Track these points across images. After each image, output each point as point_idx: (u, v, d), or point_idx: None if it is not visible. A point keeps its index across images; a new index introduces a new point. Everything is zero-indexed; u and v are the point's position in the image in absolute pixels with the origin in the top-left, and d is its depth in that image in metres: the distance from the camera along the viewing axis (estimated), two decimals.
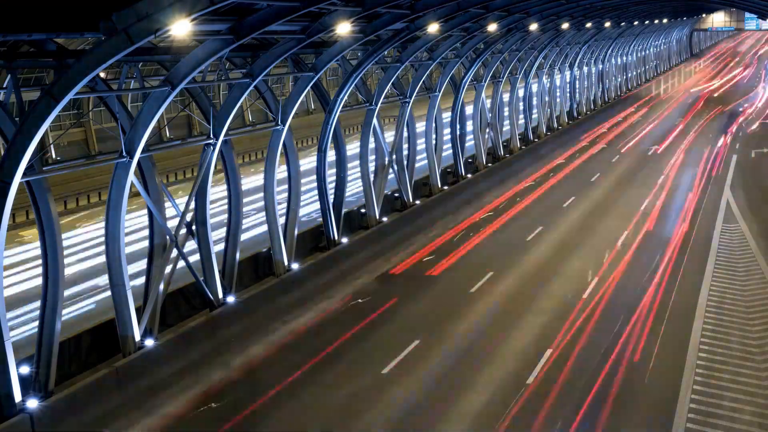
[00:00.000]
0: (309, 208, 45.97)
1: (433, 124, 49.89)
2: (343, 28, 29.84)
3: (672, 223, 44.88)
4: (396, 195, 46.16)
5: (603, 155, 69.54)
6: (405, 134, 46.14)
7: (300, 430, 23.42)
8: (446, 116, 52.83)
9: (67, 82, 21.33)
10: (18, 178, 21.18)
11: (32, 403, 22.21)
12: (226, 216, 31.50)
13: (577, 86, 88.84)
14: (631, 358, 27.20)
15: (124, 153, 24.96)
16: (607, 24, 74.34)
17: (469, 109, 57.36)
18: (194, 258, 30.16)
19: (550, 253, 39.82)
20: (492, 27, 44.97)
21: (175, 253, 28.21)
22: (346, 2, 28.55)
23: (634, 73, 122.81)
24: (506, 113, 66.70)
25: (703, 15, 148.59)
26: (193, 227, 29.44)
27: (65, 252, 24.04)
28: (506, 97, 66.17)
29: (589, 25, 68.98)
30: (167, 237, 27.88)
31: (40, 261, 23.64)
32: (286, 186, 35.16)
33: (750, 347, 27.70)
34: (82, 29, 23.06)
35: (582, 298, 33.01)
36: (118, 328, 25.69)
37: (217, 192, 38.56)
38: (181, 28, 21.45)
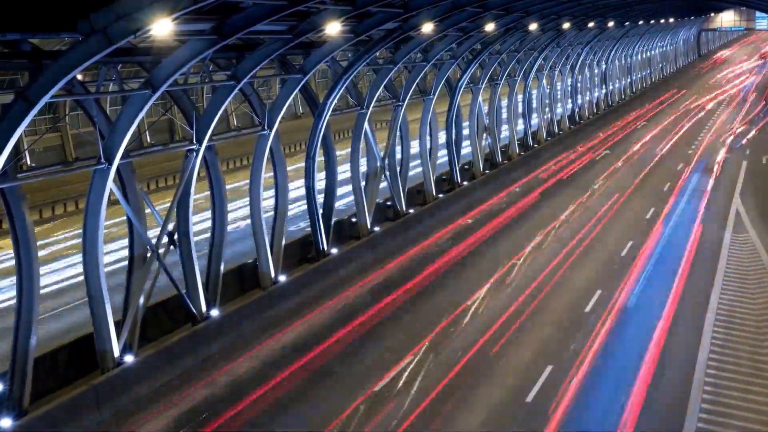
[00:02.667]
0: (297, 215, 45.99)
1: (428, 129, 50.02)
2: (333, 28, 29.97)
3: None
4: (388, 203, 46.24)
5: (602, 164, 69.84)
6: (398, 139, 46.24)
7: None
8: (441, 121, 52.91)
9: (43, 85, 21.40)
10: None
11: (6, 422, 22.24)
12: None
13: (579, 89, 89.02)
14: None
15: (102, 159, 25.03)
16: (611, 24, 74.61)
17: (465, 113, 57.47)
18: (176, 270, 30.19)
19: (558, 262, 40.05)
20: (489, 27, 45.10)
21: (156, 264, 28.28)
22: (335, 1, 28.69)
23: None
24: (504, 117, 66.84)
25: (712, 14, 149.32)
26: (175, 237, 29.50)
27: None
28: (504, 100, 66.30)
29: (591, 24, 69.24)
30: (148, 247, 27.94)
31: None
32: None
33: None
34: (58, 29, 23.14)
35: (585, 312, 33.26)
36: (96, 343, 25.73)
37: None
38: (162, 28, 21.55)
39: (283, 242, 35.31)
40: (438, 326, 32.01)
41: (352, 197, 42.34)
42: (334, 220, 39.49)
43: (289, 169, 35.93)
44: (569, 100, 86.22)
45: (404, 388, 26.74)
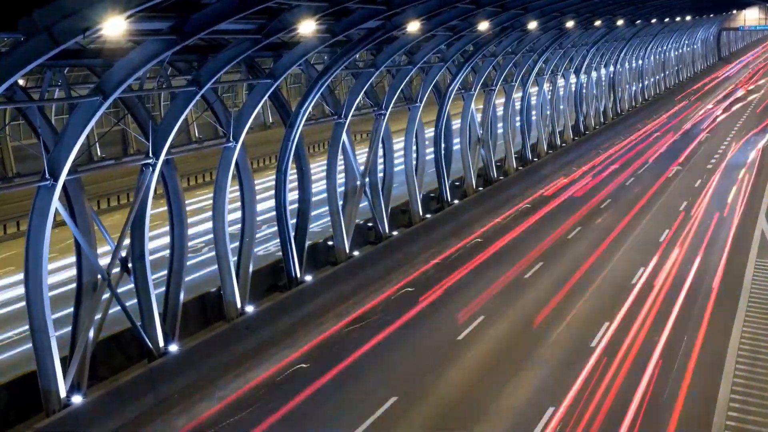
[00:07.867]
0: (266, 236, 46.07)
1: (414, 141, 50.19)
2: (307, 27, 30.18)
3: None
4: (369, 224, 46.32)
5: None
6: (380, 152, 46.37)
7: None
8: (429, 131, 53.09)
9: None
10: None
11: None
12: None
13: (584, 95, 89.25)
14: None
15: (47, 175, 25.07)
16: (620, 22, 75.00)
17: (456, 123, 57.72)
18: (131, 299, 30.27)
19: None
20: (483, 26, 45.37)
21: (107, 293, 28.32)
22: None
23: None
24: (500, 128, 67.10)
25: (734, 12, 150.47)
26: (129, 263, 29.55)
27: None
28: (500, 108, 66.56)
29: (598, 23, 69.58)
30: (98, 275, 27.96)
31: None
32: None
33: None
34: None
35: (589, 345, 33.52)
36: (40, 382, 25.70)
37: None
38: (114, 27, 21.69)
39: (251, 268, 35.40)
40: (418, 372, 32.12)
41: (328, 218, 42.40)
42: (308, 243, 39.57)
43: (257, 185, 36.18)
44: (573, 108, 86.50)
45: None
